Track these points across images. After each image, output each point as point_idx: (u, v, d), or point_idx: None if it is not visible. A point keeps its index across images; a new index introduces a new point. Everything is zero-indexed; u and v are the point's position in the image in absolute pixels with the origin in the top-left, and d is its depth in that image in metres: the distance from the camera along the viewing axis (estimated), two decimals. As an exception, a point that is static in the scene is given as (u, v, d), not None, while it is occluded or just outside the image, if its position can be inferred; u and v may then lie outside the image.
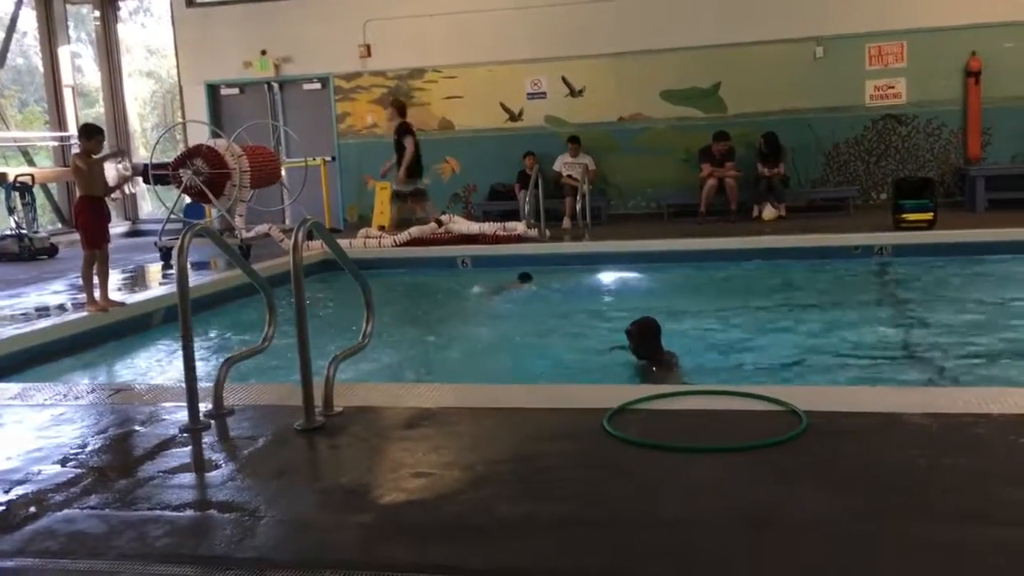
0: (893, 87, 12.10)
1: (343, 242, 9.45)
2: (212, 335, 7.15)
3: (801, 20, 12.10)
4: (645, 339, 5.23)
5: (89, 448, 3.78)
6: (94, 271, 6.90)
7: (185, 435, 3.87)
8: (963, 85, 11.90)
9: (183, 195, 10.38)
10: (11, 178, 12.13)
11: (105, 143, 7.29)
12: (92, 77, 15.94)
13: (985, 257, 8.51)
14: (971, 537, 2.57)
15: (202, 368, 5.15)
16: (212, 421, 4.01)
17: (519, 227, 10.45)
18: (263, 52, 13.78)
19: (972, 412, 3.52)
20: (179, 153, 10.72)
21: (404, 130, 11.17)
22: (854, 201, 11.87)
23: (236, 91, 14.27)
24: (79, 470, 3.50)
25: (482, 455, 3.41)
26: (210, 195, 9.94)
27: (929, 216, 9.45)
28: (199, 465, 3.55)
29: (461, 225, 10.86)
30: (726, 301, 7.52)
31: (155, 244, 10.24)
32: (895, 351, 5.85)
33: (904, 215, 9.53)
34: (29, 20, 14.94)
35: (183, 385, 4.05)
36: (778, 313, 7.06)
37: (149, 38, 16.39)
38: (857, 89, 12.20)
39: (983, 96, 11.78)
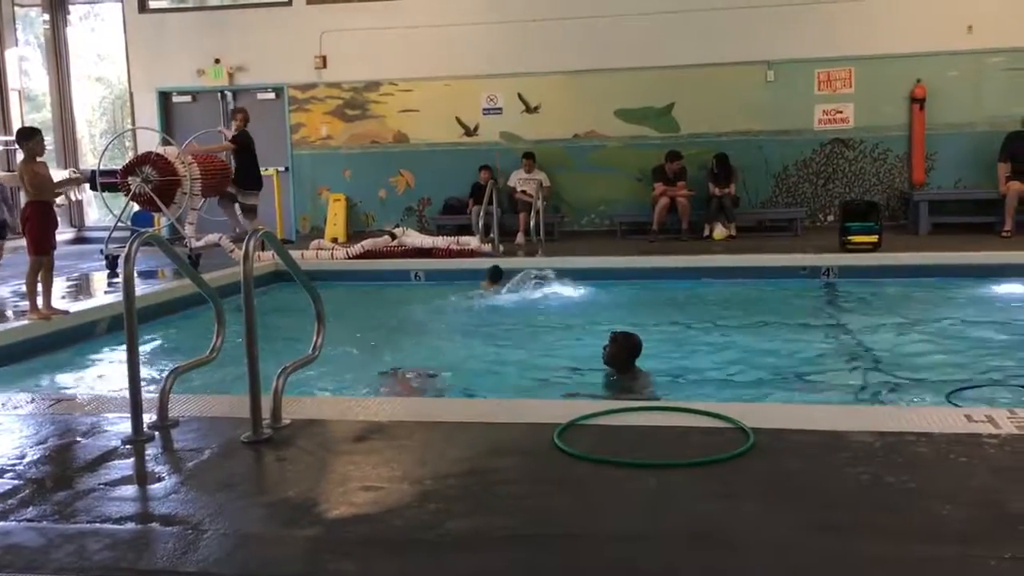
0: (841, 112, 12.37)
1: (295, 253, 9.38)
2: (158, 345, 7.03)
3: (753, 44, 12.32)
4: (626, 350, 5.27)
5: (28, 459, 3.69)
6: (38, 278, 6.75)
7: (128, 446, 3.79)
8: (908, 111, 12.20)
9: (131, 202, 10.21)
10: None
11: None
12: (40, 81, 15.63)
13: (928, 279, 8.72)
14: (911, 553, 2.62)
15: (148, 379, 5.06)
16: (156, 432, 3.94)
17: (473, 242, 10.46)
18: (217, 60, 13.64)
19: (914, 431, 3.59)
20: (128, 160, 10.53)
21: (237, 136, 11.23)
22: (802, 222, 12.08)
23: (188, 99, 14.09)
24: (17, 481, 3.41)
25: (431, 469, 3.39)
26: (159, 203, 9.79)
27: (874, 238, 9.65)
28: (141, 477, 3.48)
29: (415, 239, 10.82)
30: (676, 318, 7.60)
31: (101, 252, 10.05)
32: (840, 370, 5.95)
33: (850, 237, 9.73)
34: (-25, 21, 14.62)
35: (127, 395, 3.97)
36: (727, 331, 7.14)
37: (100, 43, 16.12)
38: (806, 113, 12.44)
39: (927, 123, 12.09)
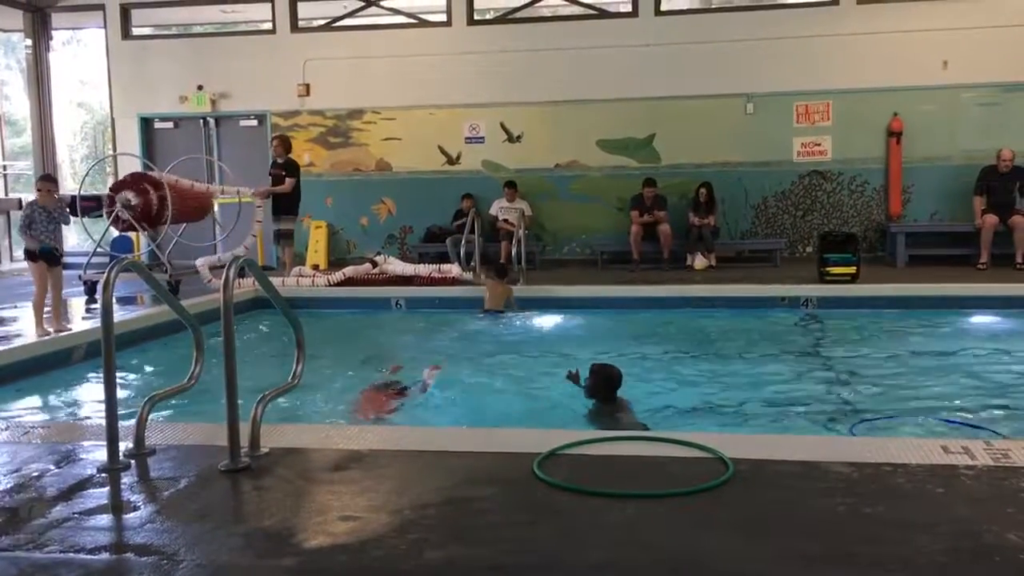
0: (819, 144, 12.53)
1: (276, 280, 9.35)
2: (136, 372, 6.97)
3: (733, 77, 12.49)
4: (606, 382, 5.27)
5: (0, 487, 3.64)
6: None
7: (103, 475, 3.75)
8: (885, 145, 12.38)
9: (110, 227, 10.18)
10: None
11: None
12: (21, 106, 15.59)
13: (905, 310, 8.80)
14: (888, 584, 2.62)
15: (125, 406, 5.01)
16: (132, 461, 3.90)
17: (454, 269, 10.47)
18: (200, 87, 13.66)
19: (891, 462, 3.61)
20: (112, 184, 10.49)
21: (292, 166, 11.36)
22: (781, 253, 12.19)
23: (170, 125, 14.09)
24: (-11, 510, 3.36)
25: (410, 499, 3.37)
26: (137, 224, 9.75)
27: (852, 270, 9.74)
28: (117, 506, 3.44)
29: (396, 266, 10.83)
30: (656, 348, 7.62)
31: (79, 277, 9.98)
32: (818, 400, 5.98)
33: (829, 268, 9.81)
34: (-44, 45, 14.61)
35: (103, 423, 3.93)
36: (707, 361, 7.17)
37: (82, 68, 16.12)
38: (785, 145, 12.60)
39: (904, 156, 12.27)
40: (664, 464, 3.69)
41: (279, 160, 11.34)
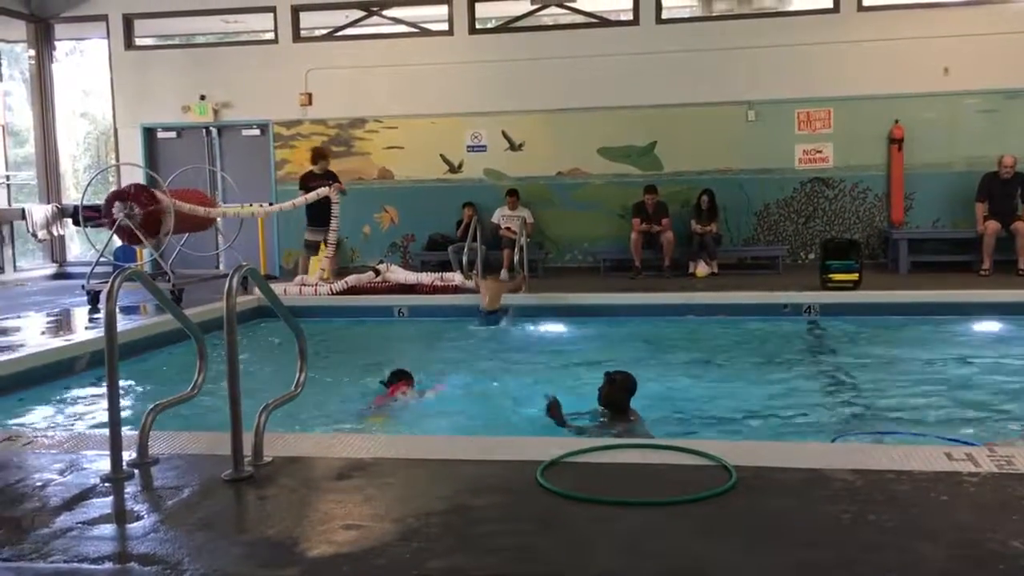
0: (821, 151, 12.54)
1: (278, 289, 9.36)
2: (139, 381, 6.98)
3: (734, 84, 12.51)
4: (624, 390, 5.25)
5: (3, 497, 3.64)
6: None
7: (106, 484, 3.75)
8: (887, 151, 12.38)
9: (113, 237, 10.19)
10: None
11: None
12: (24, 116, 15.64)
13: (907, 317, 8.80)
14: (892, 592, 2.62)
15: (128, 415, 5.02)
16: (135, 470, 3.89)
17: (456, 278, 10.48)
18: (202, 97, 13.70)
19: (894, 469, 3.61)
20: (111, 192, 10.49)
21: (333, 175, 11.43)
22: (783, 260, 12.19)
23: (173, 135, 14.13)
24: (-8, 520, 3.37)
25: (413, 507, 3.37)
26: (142, 235, 9.77)
27: (855, 276, 9.74)
28: (120, 516, 3.44)
29: (398, 275, 10.83)
30: (658, 355, 7.62)
31: (83, 287, 10.00)
32: (822, 407, 5.98)
33: (831, 275, 9.81)
34: (-40, 56, 14.66)
35: (106, 433, 3.93)
36: (709, 368, 7.17)
37: (85, 79, 16.17)
38: (787, 152, 12.61)
39: (905, 162, 12.27)
40: (667, 472, 3.69)
41: (317, 171, 11.33)
